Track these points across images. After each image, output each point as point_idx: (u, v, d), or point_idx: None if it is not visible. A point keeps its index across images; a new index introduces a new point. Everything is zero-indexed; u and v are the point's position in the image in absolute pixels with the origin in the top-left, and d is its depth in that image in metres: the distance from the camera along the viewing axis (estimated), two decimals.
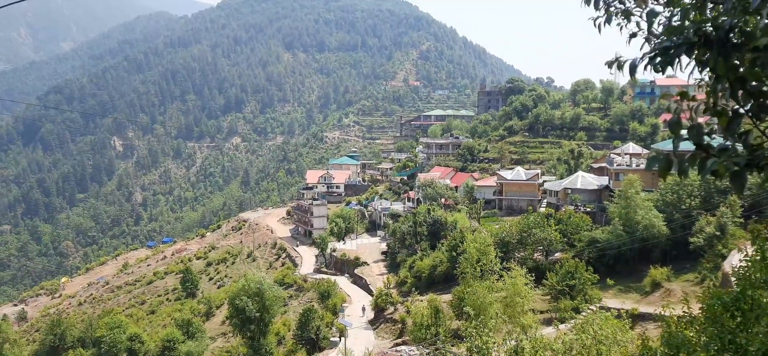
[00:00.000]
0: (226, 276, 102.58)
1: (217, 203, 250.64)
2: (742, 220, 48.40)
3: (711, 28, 3.55)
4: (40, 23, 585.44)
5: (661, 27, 5.45)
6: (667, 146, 70.67)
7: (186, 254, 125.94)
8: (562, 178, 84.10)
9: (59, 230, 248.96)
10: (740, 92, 3.62)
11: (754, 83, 3.59)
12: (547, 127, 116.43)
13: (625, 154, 77.12)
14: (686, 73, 4.01)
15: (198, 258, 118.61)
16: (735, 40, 3.50)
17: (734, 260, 39.15)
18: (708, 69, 3.71)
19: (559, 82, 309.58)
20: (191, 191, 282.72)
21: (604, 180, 75.73)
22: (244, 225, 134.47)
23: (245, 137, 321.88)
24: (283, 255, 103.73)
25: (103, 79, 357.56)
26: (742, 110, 3.67)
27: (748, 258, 10.78)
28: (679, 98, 4.23)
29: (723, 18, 3.70)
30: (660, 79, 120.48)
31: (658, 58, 3.79)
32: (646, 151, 78.07)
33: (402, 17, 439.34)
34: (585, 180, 76.29)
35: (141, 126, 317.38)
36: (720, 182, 53.45)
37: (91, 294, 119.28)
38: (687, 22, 4.22)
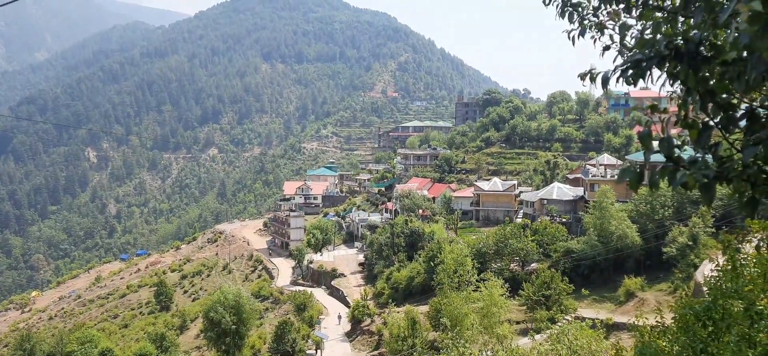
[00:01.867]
0: (201, 289, 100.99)
1: (192, 215, 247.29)
2: (713, 230, 49.17)
3: (682, 42, 3.59)
4: (12, 32, 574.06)
5: (633, 40, 5.63)
6: (640, 157, 71.60)
7: (160, 266, 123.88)
8: (538, 189, 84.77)
9: (30, 243, 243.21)
10: (710, 105, 3.66)
11: (723, 96, 3.63)
12: (523, 138, 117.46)
13: (600, 165, 78.01)
14: (658, 85, 4.04)
15: (173, 271, 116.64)
16: (705, 54, 3.55)
17: (706, 270, 39.65)
18: (679, 82, 3.76)
19: (535, 93, 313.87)
20: (167, 202, 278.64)
21: (579, 191, 76.48)
22: (220, 237, 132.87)
23: (222, 148, 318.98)
24: (260, 267, 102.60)
25: (77, 89, 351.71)
26: (711, 123, 3.70)
27: (720, 268, 10.83)
28: (650, 110, 4.26)
29: (693, 31, 3.75)
30: (634, 91, 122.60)
31: (630, 71, 3.83)
32: (620, 162, 79.07)
33: (380, 29, 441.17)
34: (561, 191, 76.95)
35: (116, 137, 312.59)
36: (691, 193, 54.39)
37: (62, 308, 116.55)
38: (659, 36, 4.25)
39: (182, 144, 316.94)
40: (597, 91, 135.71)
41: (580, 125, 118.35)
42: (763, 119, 3.61)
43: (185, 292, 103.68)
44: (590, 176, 73.95)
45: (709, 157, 3.69)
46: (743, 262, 10.43)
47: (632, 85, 4.05)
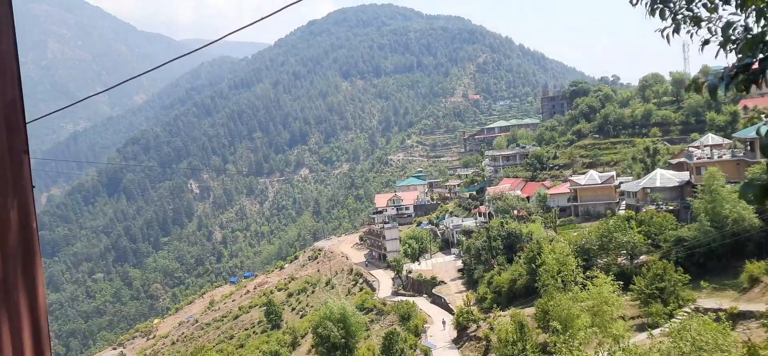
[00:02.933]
0: (307, 305, 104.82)
1: (291, 235, 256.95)
2: None
3: None
4: (112, 80, 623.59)
5: (739, 39, 5.04)
6: (749, 133, 67.15)
7: (267, 286, 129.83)
8: (639, 177, 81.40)
9: (148, 273, 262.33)
10: None
11: None
12: (617, 126, 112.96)
13: (705, 146, 74.01)
14: None
15: (279, 290, 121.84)
16: None
17: None
18: None
19: (625, 79, 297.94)
20: (266, 225, 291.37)
21: (684, 176, 72.70)
22: (319, 254, 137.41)
23: (312, 167, 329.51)
24: (360, 280, 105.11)
25: (175, 126, 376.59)
26: None
27: None
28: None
29: None
30: (728, 70, 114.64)
31: (740, 77, 3.57)
32: (727, 141, 74.51)
33: (455, 33, 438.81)
34: (664, 177, 73.54)
35: (214, 167, 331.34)
36: None
37: (183, 333, 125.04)
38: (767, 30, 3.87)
39: (275, 168, 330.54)
40: (693, 69, 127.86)
41: (677, 107, 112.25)
42: None
43: (293, 309, 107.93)
44: (695, 158, 70.18)
45: None
46: None
47: (745, 92, 3.75)
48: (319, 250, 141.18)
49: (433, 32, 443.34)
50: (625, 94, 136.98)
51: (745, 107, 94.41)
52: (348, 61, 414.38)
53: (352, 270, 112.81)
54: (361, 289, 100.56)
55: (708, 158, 68.96)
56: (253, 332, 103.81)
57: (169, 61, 15.40)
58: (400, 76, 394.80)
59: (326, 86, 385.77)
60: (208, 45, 13.62)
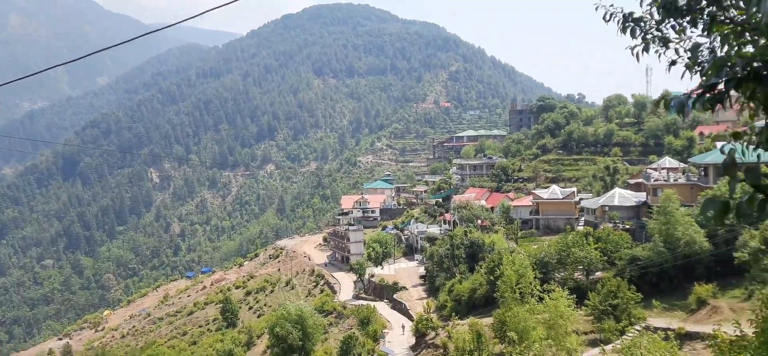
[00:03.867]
0: (265, 305, 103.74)
1: (253, 232, 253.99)
2: None
3: (760, 63, 3.47)
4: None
5: (705, 61, 5.50)
6: (704, 159, 69.63)
7: (225, 283, 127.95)
8: (598, 195, 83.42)
9: (100, 263, 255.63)
10: None
11: None
12: (580, 144, 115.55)
13: (662, 169, 76.13)
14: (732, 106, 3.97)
15: (237, 287, 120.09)
16: None
17: None
18: (755, 104, 3.61)
19: (590, 98, 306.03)
20: (228, 220, 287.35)
21: (641, 196, 74.82)
22: (281, 253, 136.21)
23: (279, 164, 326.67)
24: (322, 282, 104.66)
25: (138, 112, 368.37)
26: None
27: None
28: (733, 138, 4.16)
29: None
30: (694, 90, 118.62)
31: (707, 95, 3.74)
32: (683, 165, 76.93)
33: (430, 39, 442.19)
34: (622, 197, 75.53)
35: (176, 157, 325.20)
36: None
37: (134, 327, 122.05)
38: (732, 54, 4.16)
39: (240, 162, 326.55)
40: (654, 92, 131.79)
41: (638, 128, 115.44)
42: None
43: (250, 308, 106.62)
44: (652, 180, 72.24)
45: None
46: None
47: (710, 111, 3.91)
48: (281, 249, 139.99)
49: (408, 37, 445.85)
50: (590, 112, 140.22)
51: (701, 133, 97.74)
52: (321, 58, 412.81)
53: (313, 270, 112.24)
54: (321, 291, 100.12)
55: (664, 180, 71.11)
56: (208, 329, 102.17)
57: (134, 38, 15.17)
58: (373, 78, 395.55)
59: (298, 82, 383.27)
60: (175, 24, 13.47)
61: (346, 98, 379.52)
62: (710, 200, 3.70)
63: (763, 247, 46.67)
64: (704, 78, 4.59)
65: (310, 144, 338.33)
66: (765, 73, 3.43)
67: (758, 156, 3.88)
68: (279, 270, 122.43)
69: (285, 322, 65.85)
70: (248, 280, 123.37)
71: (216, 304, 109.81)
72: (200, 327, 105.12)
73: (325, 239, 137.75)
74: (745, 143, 3.99)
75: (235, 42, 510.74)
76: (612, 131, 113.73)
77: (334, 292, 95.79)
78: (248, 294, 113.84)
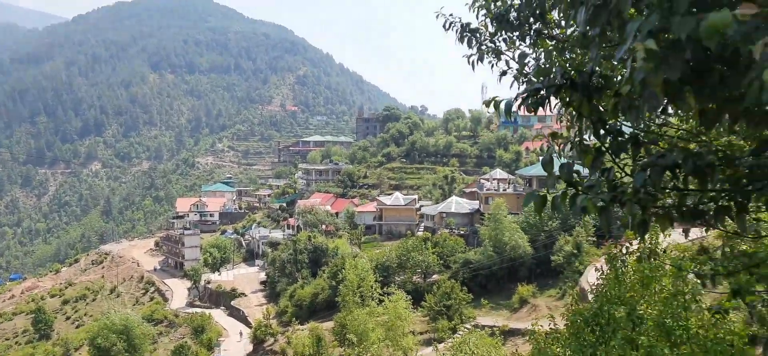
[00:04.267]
0: (86, 314, 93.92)
1: (74, 235, 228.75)
2: (595, 239, 53.45)
3: (576, 73, 3.85)
4: None
5: (531, 67, 6.14)
6: (528, 171, 76.58)
7: (38, 291, 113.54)
8: (437, 203, 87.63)
9: None
10: (601, 132, 3.95)
11: (613, 123, 3.96)
12: (422, 154, 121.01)
13: (493, 179, 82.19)
14: (552, 110, 4.45)
15: (52, 296, 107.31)
16: (597, 84, 3.81)
17: (589, 276, 43.12)
18: (571, 108, 4.01)
19: (432, 110, 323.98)
20: (43, 222, 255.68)
21: (475, 204, 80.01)
22: (106, 258, 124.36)
23: (106, 162, 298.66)
24: (152, 289, 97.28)
25: None
26: (604, 148, 3.98)
27: (604, 276, 11.56)
28: (550, 137, 4.50)
29: (589, 64, 4.06)
30: (522, 109, 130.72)
31: (530, 99, 4.07)
32: (511, 177, 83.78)
33: (277, 41, 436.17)
34: (458, 204, 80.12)
35: None
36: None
37: None
38: (555, 65, 4.61)
39: (60, 158, 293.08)
40: (490, 109, 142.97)
41: (474, 141, 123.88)
42: (644, 145, 4.01)
43: (68, 318, 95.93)
44: (485, 189, 77.62)
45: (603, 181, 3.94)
46: (624, 270, 11.18)
47: (533, 113, 4.29)
48: (106, 254, 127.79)
49: (254, 37, 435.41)
50: (431, 124, 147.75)
51: (527, 148, 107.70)
52: (159, 51, 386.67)
53: (143, 277, 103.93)
54: (151, 298, 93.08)
55: (495, 190, 76.83)
56: (16, 342, 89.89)
57: None
58: (216, 77, 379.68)
59: (131, 75, 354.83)
60: None
61: (185, 95, 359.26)
62: (531, 194, 4.08)
63: (575, 251, 52.21)
64: (528, 84, 5.08)
65: (143, 142, 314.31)
66: (579, 81, 3.79)
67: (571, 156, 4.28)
68: (103, 276, 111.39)
69: (108, 332, 61.29)
70: (66, 288, 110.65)
71: (27, 314, 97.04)
72: (6, 340, 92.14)
73: (157, 244, 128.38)
74: (561, 145, 4.40)
75: (59, 26, 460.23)
76: (451, 143, 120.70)
77: (166, 300, 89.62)
78: (66, 302, 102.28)
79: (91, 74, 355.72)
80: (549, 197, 4.07)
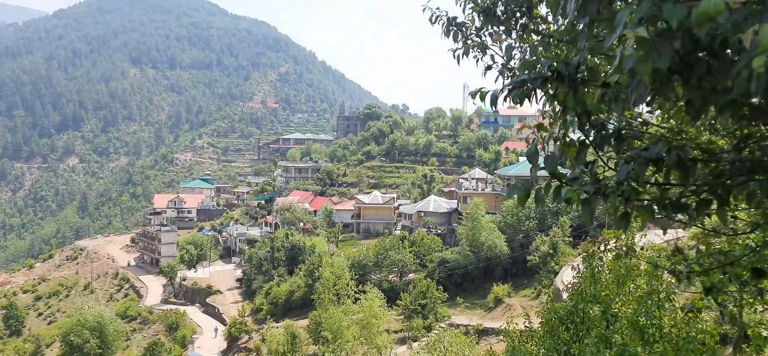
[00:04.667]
0: (58, 311, 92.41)
1: (49, 231, 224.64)
2: (570, 239, 53.82)
3: (562, 65, 3.86)
4: None
5: (516, 61, 6.22)
6: (508, 171, 76.90)
7: (10, 287, 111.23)
8: (416, 202, 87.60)
9: None
10: (586, 124, 3.96)
11: (598, 116, 3.95)
12: (402, 152, 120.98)
13: (472, 179, 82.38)
14: (533, 104, 4.36)
15: (25, 292, 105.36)
16: (583, 76, 3.83)
17: (564, 276, 43.40)
18: (557, 101, 4.02)
19: (413, 109, 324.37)
20: (18, 217, 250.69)
21: (453, 204, 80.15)
22: (80, 254, 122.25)
23: (84, 157, 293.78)
24: (127, 286, 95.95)
25: None
26: (588, 141, 4.00)
27: (580, 274, 11.59)
28: (536, 129, 4.48)
29: (575, 56, 4.04)
30: (502, 109, 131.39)
31: (516, 91, 4.06)
32: (490, 176, 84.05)
33: (260, 37, 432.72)
34: (437, 204, 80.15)
35: None
36: (554, 205, 59.28)
37: None
38: (542, 58, 4.57)
39: (37, 153, 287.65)
40: (470, 109, 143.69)
41: (454, 141, 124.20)
42: (627, 139, 4.03)
43: (40, 315, 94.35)
44: (463, 189, 77.77)
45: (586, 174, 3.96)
46: (600, 269, 11.25)
47: (519, 104, 4.32)
48: (81, 250, 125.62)
49: (237, 33, 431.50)
50: (412, 123, 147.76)
51: (507, 148, 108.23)
52: (140, 46, 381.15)
53: (117, 273, 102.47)
54: (126, 295, 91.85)
55: (473, 189, 77.03)
56: None
57: None
58: (197, 73, 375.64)
59: (111, 70, 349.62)
60: None
61: (165, 91, 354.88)
62: (514, 186, 4.10)
63: (551, 251, 52.53)
64: (514, 75, 5.14)
65: (122, 138, 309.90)
66: (566, 72, 3.79)
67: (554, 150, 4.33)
68: (77, 272, 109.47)
69: (81, 329, 60.77)
70: (39, 284, 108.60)
71: None
72: None
73: (133, 240, 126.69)
74: (545, 139, 4.44)
75: (38, 20, 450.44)
76: (431, 142, 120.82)
77: (140, 296, 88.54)
78: (38, 298, 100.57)
79: (71, 69, 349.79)
80: (532, 190, 4.08)
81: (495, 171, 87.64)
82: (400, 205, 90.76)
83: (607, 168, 4.14)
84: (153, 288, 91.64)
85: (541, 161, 4.11)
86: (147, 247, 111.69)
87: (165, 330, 67.77)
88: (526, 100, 4.15)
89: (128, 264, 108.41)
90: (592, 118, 3.96)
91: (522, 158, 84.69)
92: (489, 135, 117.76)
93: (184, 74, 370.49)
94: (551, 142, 4.32)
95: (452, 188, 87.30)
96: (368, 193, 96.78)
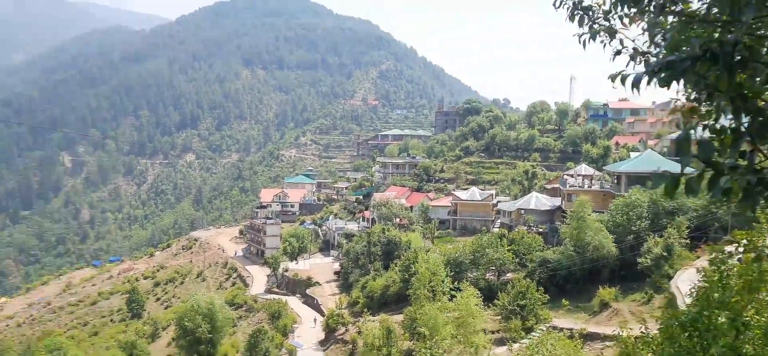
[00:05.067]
0: (174, 297, 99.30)
1: (167, 222, 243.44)
2: (687, 241, 49.28)
3: (717, 43, 3.50)
4: None
5: (663, 41, 5.48)
6: (619, 167, 72.09)
7: (133, 273, 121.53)
8: (516, 198, 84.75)
9: (0, 248, 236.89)
10: (742, 111, 3.59)
11: (755, 101, 3.54)
12: (502, 148, 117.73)
13: (578, 175, 78.27)
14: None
15: (146, 278, 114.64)
16: (740, 56, 3.46)
17: (679, 281, 39.66)
18: (703, 86, 3.72)
19: (515, 103, 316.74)
20: (141, 209, 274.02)
21: (557, 201, 76.56)
22: (194, 244, 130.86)
23: (199, 154, 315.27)
24: (234, 275, 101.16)
25: (54, 93, 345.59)
26: (743, 129, 3.61)
27: (707, 279, 10.70)
28: (689, 113, 4.10)
29: (729, 35, 3.66)
30: (613, 102, 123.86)
31: (663, 73, 3.74)
32: (597, 173, 79.42)
33: (362, 36, 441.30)
34: (538, 201, 76.97)
35: (92, 141, 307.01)
36: (668, 203, 54.55)
37: (31, 315, 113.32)
38: (692, 38, 4.17)
39: (159, 149, 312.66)
40: (576, 102, 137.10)
41: (558, 135, 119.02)
42: None
43: (158, 300, 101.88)
44: (568, 186, 74.07)
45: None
46: (728, 273, 10.31)
47: (666, 88, 3.97)
48: (195, 240, 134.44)
49: (341, 32, 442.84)
50: (514, 118, 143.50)
51: (617, 143, 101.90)
52: (251, 49, 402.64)
53: (226, 263, 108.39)
54: (233, 284, 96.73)
55: (579, 186, 73.06)
56: (111, 320, 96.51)
57: None
58: (303, 72, 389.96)
59: (226, 72, 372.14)
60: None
61: (273, 91, 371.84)
62: (661, 175, 3.76)
63: (665, 254, 48.31)
64: (661, 56, 4.72)
65: (234, 135, 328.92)
66: (721, 52, 3.47)
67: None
68: (191, 261, 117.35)
69: (194, 314, 63.73)
70: (158, 271, 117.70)
71: (122, 294, 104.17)
72: (103, 317, 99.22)
73: (241, 232, 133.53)
74: (696, 123, 4.01)
75: (163, 27, 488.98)
76: (534, 137, 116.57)
77: (247, 285, 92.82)
78: (157, 284, 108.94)
79: (190, 71, 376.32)
80: (683, 179, 3.70)
81: (603, 167, 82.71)
82: (498, 202, 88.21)
83: (766, 159, 3.68)
84: (258, 277, 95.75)
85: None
86: (253, 239, 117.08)
87: (268, 318, 70.27)
88: (667, 85, 3.80)
89: (236, 254, 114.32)
90: (750, 103, 3.57)
91: (634, 154, 79.18)
92: (597, 129, 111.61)
93: (291, 74, 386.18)
94: (699, 129, 3.89)
95: (556, 185, 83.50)
96: (465, 189, 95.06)
